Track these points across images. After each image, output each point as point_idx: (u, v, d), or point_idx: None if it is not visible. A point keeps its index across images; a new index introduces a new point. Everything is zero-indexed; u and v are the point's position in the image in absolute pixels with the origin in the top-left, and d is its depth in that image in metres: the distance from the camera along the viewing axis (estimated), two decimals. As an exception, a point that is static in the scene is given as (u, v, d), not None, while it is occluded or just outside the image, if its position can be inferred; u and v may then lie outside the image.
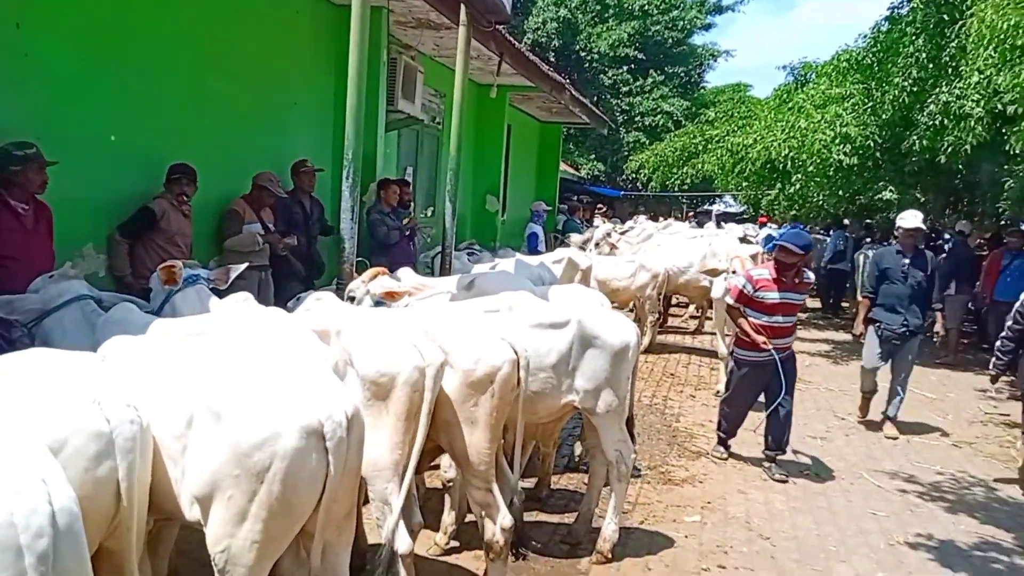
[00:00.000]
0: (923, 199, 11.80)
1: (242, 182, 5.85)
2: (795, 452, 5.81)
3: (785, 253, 5.18)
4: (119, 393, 1.97)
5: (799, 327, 7.09)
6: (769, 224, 16.91)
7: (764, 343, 5.26)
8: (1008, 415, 7.60)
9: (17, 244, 3.90)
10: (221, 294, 3.61)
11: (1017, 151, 6.65)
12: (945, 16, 8.13)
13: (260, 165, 5.97)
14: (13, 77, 4.17)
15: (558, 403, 3.69)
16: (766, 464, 5.49)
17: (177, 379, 2.16)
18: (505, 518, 3.09)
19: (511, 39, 8.90)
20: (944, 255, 10.88)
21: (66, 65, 4.50)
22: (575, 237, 12.75)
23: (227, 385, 2.12)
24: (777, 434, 5.45)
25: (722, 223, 16.94)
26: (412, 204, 8.01)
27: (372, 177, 7.24)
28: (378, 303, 3.96)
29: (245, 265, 3.94)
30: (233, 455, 2.00)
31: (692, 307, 12.11)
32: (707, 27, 25.50)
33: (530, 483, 4.70)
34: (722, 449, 5.72)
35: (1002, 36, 6.22)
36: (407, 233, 7.19)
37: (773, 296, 5.28)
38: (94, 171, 4.77)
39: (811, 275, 5.52)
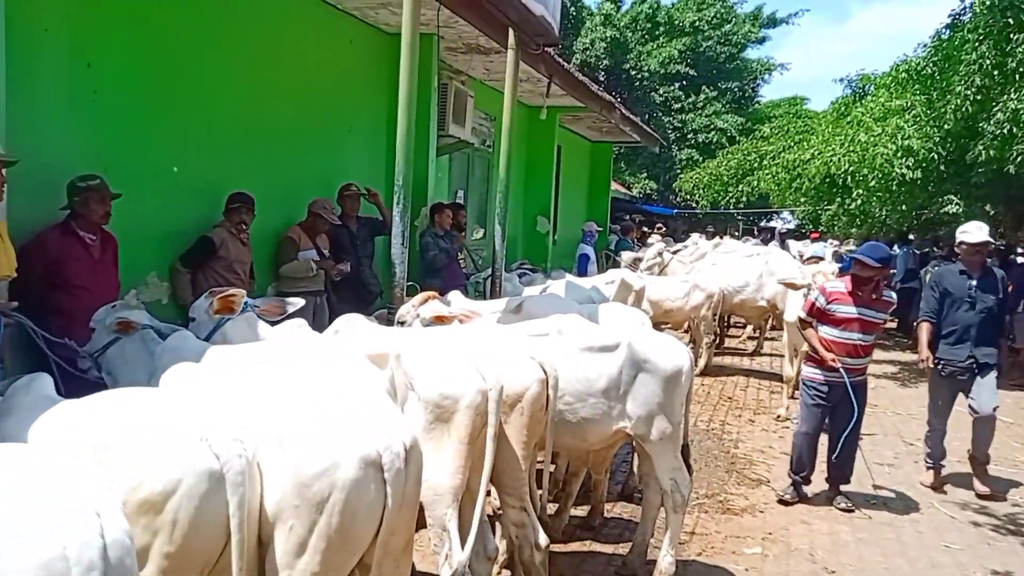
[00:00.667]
0: (992, 212, 11.31)
1: (299, 209, 5.98)
2: (874, 486, 5.52)
3: (860, 266, 4.91)
4: (225, 427, 1.98)
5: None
6: (828, 241, 16.40)
7: (833, 360, 4.98)
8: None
9: (85, 273, 4.05)
10: (273, 323, 3.66)
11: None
12: (1010, 20, 7.82)
13: (316, 191, 6.10)
14: (83, 114, 4.36)
15: (609, 429, 3.62)
16: (830, 494, 5.23)
17: (241, 409, 2.17)
18: (540, 536, 3.03)
19: (560, 60, 8.92)
20: (1016, 270, 10.40)
21: (132, 101, 4.69)
22: (626, 254, 12.65)
23: (288, 414, 2.12)
24: (842, 464, 5.16)
25: (786, 240, 16.53)
26: (465, 227, 8.05)
27: (423, 201, 7.33)
28: (428, 327, 3.97)
29: (301, 303, 3.97)
30: (294, 485, 2.00)
31: (749, 328, 11.83)
32: (761, 40, 25.22)
33: (583, 511, 4.63)
34: (793, 491, 5.26)
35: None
36: (454, 253, 7.22)
37: (847, 310, 4.99)
38: (157, 202, 4.95)
39: (893, 294, 5.16)
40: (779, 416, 7.43)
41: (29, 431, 2.01)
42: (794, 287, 6.71)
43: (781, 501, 5.17)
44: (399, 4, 5.61)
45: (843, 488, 5.27)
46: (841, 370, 4.96)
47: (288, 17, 6.11)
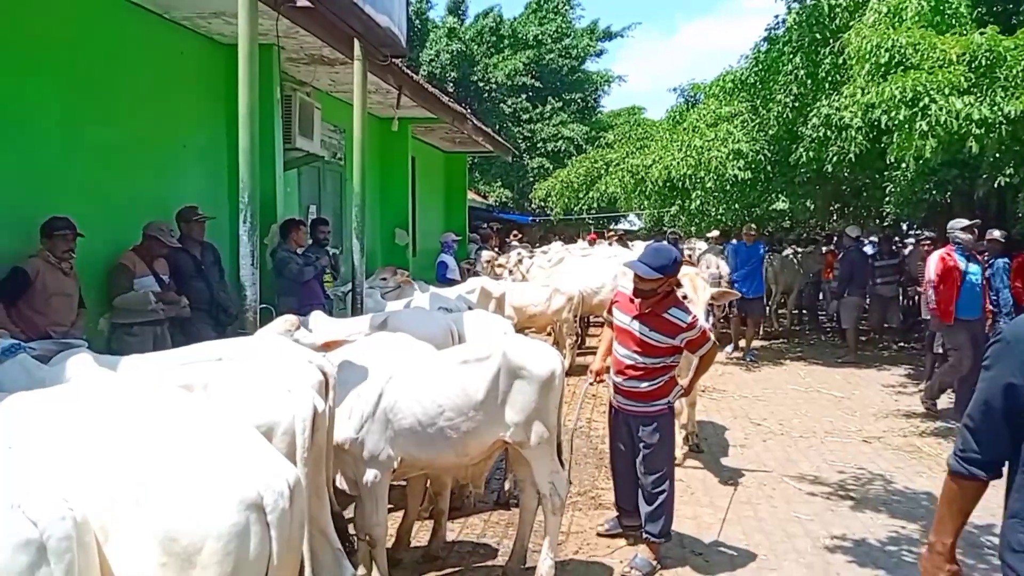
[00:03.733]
0: (812, 207, 12.44)
1: (130, 233, 5.50)
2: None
3: (636, 277, 3.97)
4: (41, 488, 1.70)
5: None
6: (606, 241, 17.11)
7: (598, 374, 4.40)
8: (909, 407, 8.01)
9: None
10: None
11: (893, 159, 7.08)
12: (818, 35, 8.65)
13: (150, 213, 5.65)
14: None
15: (489, 440, 3.58)
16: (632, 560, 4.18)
17: (71, 462, 1.89)
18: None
19: (408, 71, 8.84)
20: (839, 259, 11.50)
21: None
22: (485, 253, 12.74)
23: (141, 459, 1.88)
24: (646, 512, 4.11)
25: (628, 243, 17.33)
26: (327, 242, 7.77)
27: (273, 218, 6.99)
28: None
29: (84, 344, 3.47)
30: (158, 540, 1.76)
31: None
32: (599, 53, 26.38)
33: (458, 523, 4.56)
34: (614, 522, 4.54)
35: (868, 56, 6.67)
36: (321, 272, 6.95)
37: (622, 319, 4.14)
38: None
39: (688, 318, 4.00)
40: None
41: None
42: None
43: (600, 535, 4.56)
44: (234, 14, 5.32)
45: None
46: (615, 396, 4.23)
47: (109, 27, 5.63)
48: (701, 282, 5.50)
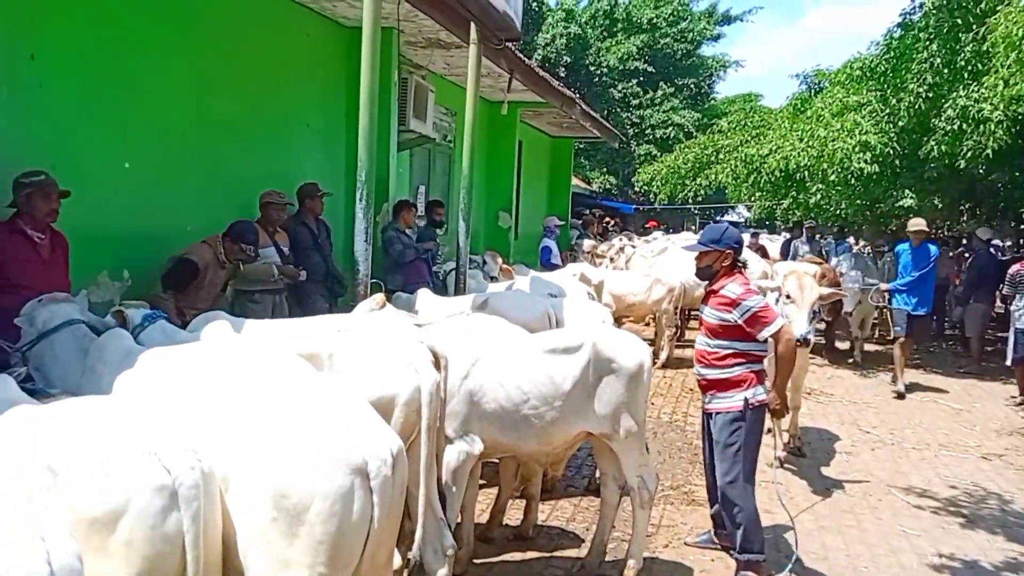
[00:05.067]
0: (940, 205, 11.64)
1: (255, 206, 5.83)
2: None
3: (695, 260, 4.04)
4: (175, 439, 1.87)
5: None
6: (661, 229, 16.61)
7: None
8: (1038, 425, 7.43)
9: (34, 273, 3.88)
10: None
11: (1038, 156, 6.53)
12: (959, 21, 8.04)
13: (272, 188, 5.96)
14: (27, 107, 4.19)
15: (573, 431, 3.57)
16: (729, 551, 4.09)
17: (202, 419, 2.05)
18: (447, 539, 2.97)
19: (521, 56, 8.88)
20: (968, 263, 10.75)
21: (79, 94, 4.52)
22: (587, 242, 12.71)
23: (260, 421, 2.02)
24: (721, 522, 4.07)
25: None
26: (444, 223, 8.00)
27: (385, 197, 7.23)
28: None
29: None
30: (271, 496, 1.88)
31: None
32: (716, 38, 25.53)
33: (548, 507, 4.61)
34: (707, 537, 4.37)
35: (1019, 42, 6.14)
36: (425, 256, 7.13)
37: (704, 308, 4.05)
38: (108, 199, 4.78)
39: (739, 291, 3.79)
40: None
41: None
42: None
43: (687, 544, 4.38)
44: (358, -3, 5.52)
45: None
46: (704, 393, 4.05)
47: (242, 8, 5.96)
48: (810, 280, 5.04)
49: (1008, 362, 8.40)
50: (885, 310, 9.36)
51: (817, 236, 13.22)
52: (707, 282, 4.01)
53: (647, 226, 17.57)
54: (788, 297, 4.93)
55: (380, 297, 4.11)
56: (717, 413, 3.89)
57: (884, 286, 8.95)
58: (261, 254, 5.62)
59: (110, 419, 1.92)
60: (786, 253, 13.63)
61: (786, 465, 5.79)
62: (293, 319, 4.11)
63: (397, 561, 2.48)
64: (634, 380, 3.57)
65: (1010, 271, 8.51)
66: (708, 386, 3.95)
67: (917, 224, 8.69)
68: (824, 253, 13.51)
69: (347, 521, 1.92)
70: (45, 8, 4.27)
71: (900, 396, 8.36)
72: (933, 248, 8.61)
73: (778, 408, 3.93)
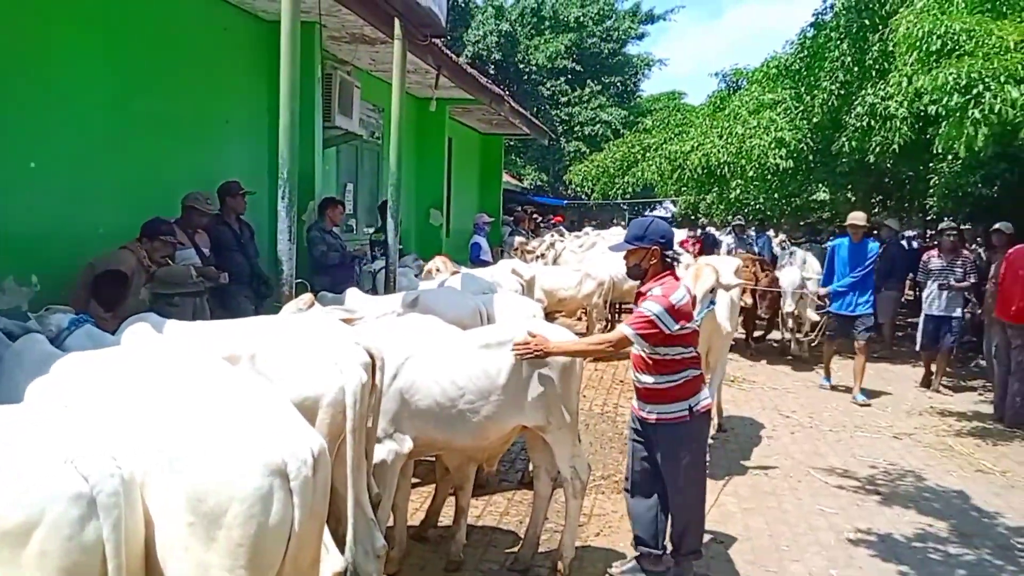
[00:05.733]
0: (853, 198, 12.21)
1: (174, 205, 5.64)
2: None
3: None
4: (92, 445, 1.79)
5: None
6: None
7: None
8: (943, 405, 7.88)
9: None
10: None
11: (940, 150, 6.93)
12: (867, 22, 8.44)
13: (193, 186, 5.77)
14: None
15: (508, 425, 3.59)
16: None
17: (116, 423, 1.97)
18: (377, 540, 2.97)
19: (449, 53, 8.86)
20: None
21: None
22: (517, 239, 12.78)
23: (175, 424, 1.96)
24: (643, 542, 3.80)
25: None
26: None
27: (311, 195, 7.09)
28: None
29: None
30: (187, 500, 1.83)
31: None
32: (640, 37, 26.05)
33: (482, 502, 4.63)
34: (632, 568, 3.92)
35: (917, 43, 6.50)
36: (351, 260, 7.02)
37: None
38: (14, 201, 4.54)
39: (656, 292, 3.47)
40: None
41: None
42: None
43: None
44: (278, -10, 5.38)
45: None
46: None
47: (159, 2, 5.74)
48: (707, 271, 4.89)
49: (917, 347, 8.77)
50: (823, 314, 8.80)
51: (745, 233, 13.07)
52: (639, 282, 3.73)
53: (553, 221, 17.74)
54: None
55: (308, 297, 4.03)
56: (661, 424, 3.61)
57: (822, 290, 8.38)
58: (179, 256, 5.45)
59: (23, 426, 1.84)
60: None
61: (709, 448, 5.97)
62: (217, 321, 3.99)
63: (339, 564, 2.45)
64: (566, 372, 3.61)
65: (923, 258, 8.76)
66: (648, 395, 3.64)
67: (855, 218, 8.03)
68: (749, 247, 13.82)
69: (266, 523, 1.88)
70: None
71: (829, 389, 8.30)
72: (873, 245, 8.03)
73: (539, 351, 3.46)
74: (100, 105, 5.21)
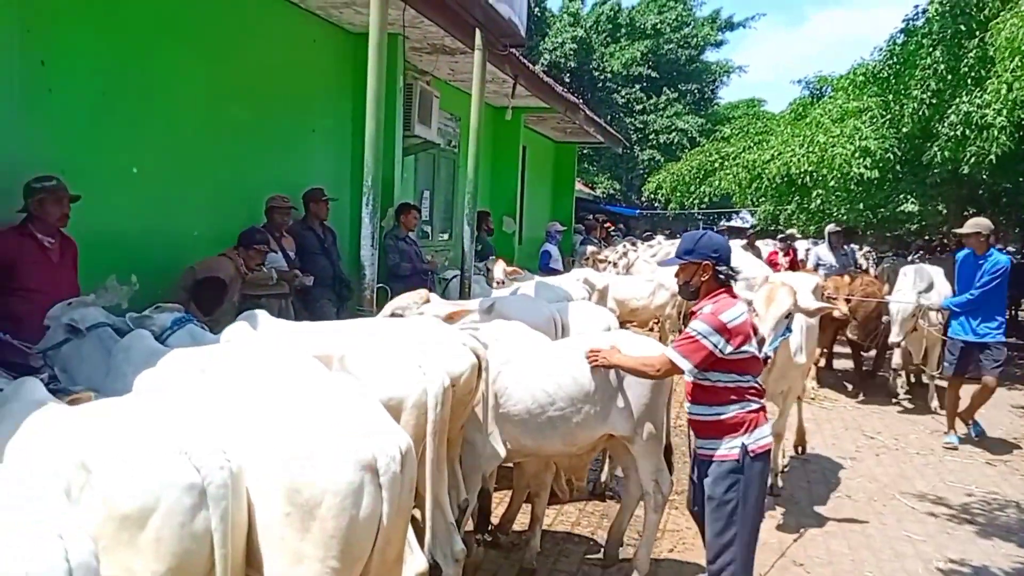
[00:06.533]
0: (944, 211, 11.66)
1: (262, 211, 5.88)
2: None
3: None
4: (204, 438, 1.90)
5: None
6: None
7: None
8: (1043, 431, 7.41)
9: (43, 276, 3.92)
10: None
11: (1043, 162, 6.55)
12: (962, 27, 8.08)
13: (279, 192, 5.99)
14: (38, 112, 4.23)
15: (597, 433, 3.60)
16: None
17: (224, 417, 2.09)
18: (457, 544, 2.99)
19: (525, 61, 8.93)
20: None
21: (89, 99, 4.56)
22: (589, 248, 12.72)
23: (274, 419, 2.07)
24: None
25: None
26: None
27: (390, 202, 7.26)
28: None
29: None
30: (285, 491, 1.93)
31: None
32: (719, 44, 25.66)
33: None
34: None
35: (1021, 47, 6.17)
36: (423, 272, 7.11)
37: None
38: (117, 204, 4.82)
39: (706, 310, 3.14)
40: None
41: (16, 443, 1.93)
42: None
43: None
44: (365, 3, 5.56)
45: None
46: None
47: (250, 15, 6.01)
48: (783, 293, 4.02)
49: None
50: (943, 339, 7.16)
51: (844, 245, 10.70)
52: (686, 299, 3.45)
53: (607, 226, 17.32)
54: (754, 311, 3.97)
55: (424, 293, 4.13)
56: (711, 460, 3.20)
57: (938, 302, 6.99)
58: (267, 260, 5.66)
59: (141, 418, 1.96)
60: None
61: (790, 469, 5.79)
62: (312, 322, 4.15)
63: (422, 564, 2.50)
64: (657, 385, 3.58)
65: None
66: (698, 427, 3.28)
67: (977, 225, 6.57)
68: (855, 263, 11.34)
69: (357, 516, 1.96)
70: (55, 14, 4.31)
71: (953, 448, 6.65)
72: (1000, 258, 6.51)
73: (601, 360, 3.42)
74: (195, 115, 5.48)
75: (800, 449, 6.18)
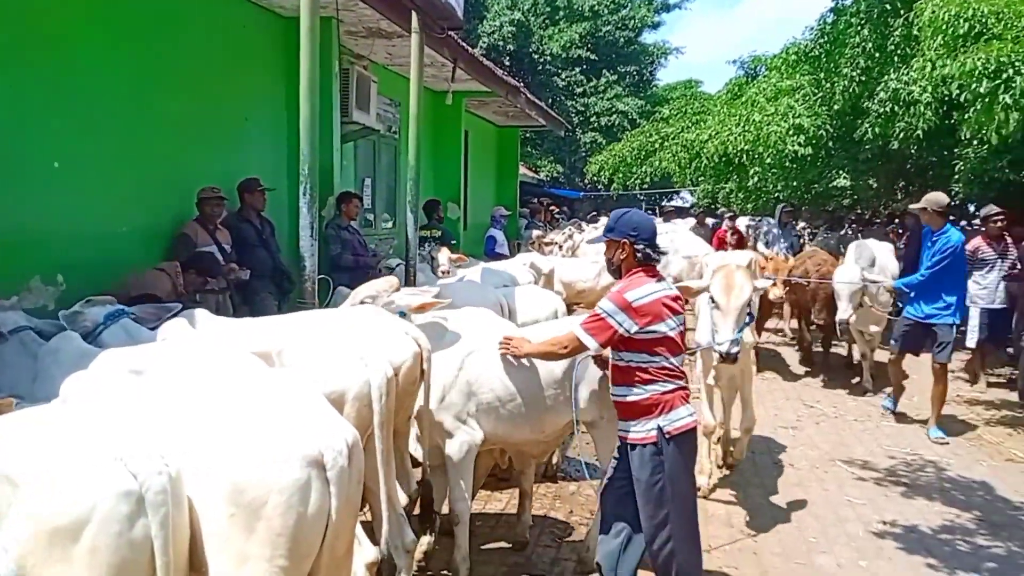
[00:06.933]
0: (876, 185, 12.05)
1: (193, 204, 5.67)
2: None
3: None
4: (140, 443, 1.82)
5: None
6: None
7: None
8: (971, 395, 7.77)
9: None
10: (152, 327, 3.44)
11: (967, 136, 6.80)
12: (888, 6, 8.31)
13: (214, 184, 5.80)
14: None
15: (564, 419, 3.59)
16: None
17: (159, 420, 2.01)
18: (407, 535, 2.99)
19: (464, 45, 8.83)
20: (903, 239, 11.09)
21: (1, 91, 4.30)
22: (534, 232, 12.73)
23: (214, 419, 2.00)
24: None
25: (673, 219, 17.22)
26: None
27: (329, 191, 7.10)
28: (401, 314, 3.74)
29: (179, 307, 3.76)
30: (228, 492, 1.87)
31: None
32: (656, 25, 25.85)
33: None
34: None
35: (944, 27, 6.38)
36: (364, 255, 6.99)
37: None
38: (38, 201, 4.57)
39: (617, 287, 3.18)
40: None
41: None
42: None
43: None
44: (295, -14, 5.37)
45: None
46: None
47: (177, 1, 5.76)
48: (741, 277, 3.99)
49: (972, 343, 7.53)
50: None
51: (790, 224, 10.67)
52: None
53: (552, 209, 17.30)
54: (712, 300, 4.00)
55: (394, 280, 4.01)
56: (631, 444, 3.15)
57: (888, 283, 6.94)
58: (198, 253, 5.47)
59: (71, 424, 1.87)
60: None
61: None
62: (250, 318, 4.02)
63: (372, 555, 2.47)
64: None
65: (969, 247, 7.12)
66: (617, 408, 3.24)
67: (931, 201, 6.24)
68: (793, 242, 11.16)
69: (305, 513, 1.92)
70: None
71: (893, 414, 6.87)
72: (953, 234, 6.19)
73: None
74: (120, 105, 5.23)
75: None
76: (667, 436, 3.06)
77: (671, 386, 3.10)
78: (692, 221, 16.04)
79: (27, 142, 4.48)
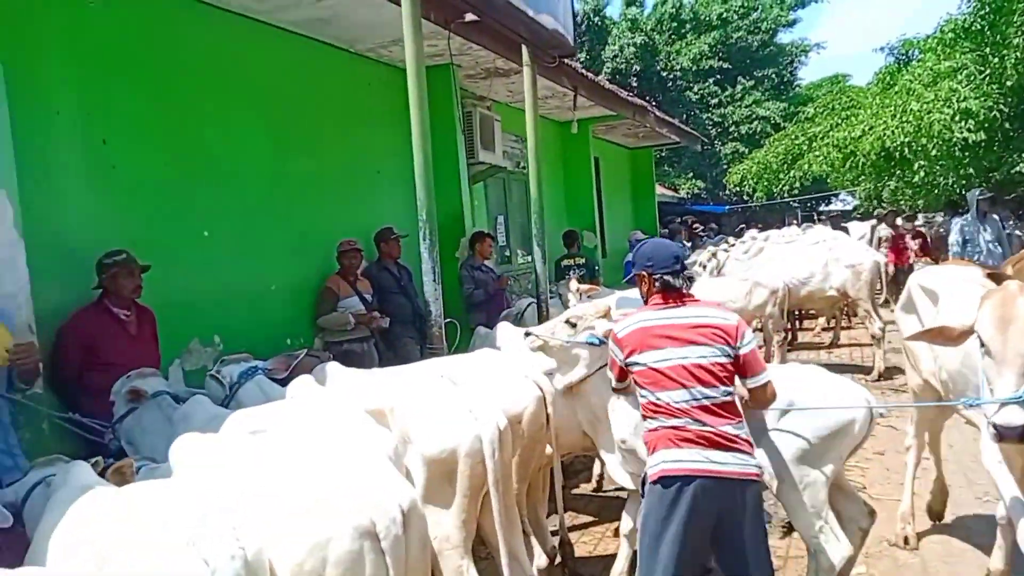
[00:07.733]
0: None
1: (333, 258, 5.91)
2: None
3: None
4: (218, 523, 1.82)
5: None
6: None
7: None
8: None
9: (120, 349, 4.00)
10: (284, 381, 3.51)
11: None
12: (1064, -40, 7.29)
13: (351, 236, 6.00)
14: (103, 189, 4.37)
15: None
16: None
17: (237, 491, 2.02)
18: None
19: (583, 71, 8.73)
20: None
21: (153, 170, 4.69)
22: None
23: (277, 489, 1.99)
24: None
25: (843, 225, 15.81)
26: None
27: (462, 232, 7.19)
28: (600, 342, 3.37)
29: (303, 353, 3.85)
30: (287, 565, 1.87)
31: (822, 320, 11.24)
32: (792, 23, 24.63)
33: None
34: None
35: None
36: (494, 291, 6.98)
37: None
38: (191, 267, 4.91)
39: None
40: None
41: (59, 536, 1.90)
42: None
43: None
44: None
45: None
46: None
47: (304, 66, 6.10)
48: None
49: None
50: None
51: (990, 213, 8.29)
52: None
53: (694, 227, 15.94)
54: (982, 344, 2.66)
55: (605, 306, 3.76)
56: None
57: None
58: (342, 305, 5.67)
59: (159, 502, 1.89)
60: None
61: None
62: (384, 369, 4.04)
63: None
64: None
65: None
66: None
67: None
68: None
69: None
70: (114, 93, 4.47)
71: None
72: None
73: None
74: (261, 171, 5.57)
75: None
76: (646, 480, 2.73)
77: (653, 424, 2.72)
78: (867, 225, 14.24)
79: (177, 216, 4.86)
